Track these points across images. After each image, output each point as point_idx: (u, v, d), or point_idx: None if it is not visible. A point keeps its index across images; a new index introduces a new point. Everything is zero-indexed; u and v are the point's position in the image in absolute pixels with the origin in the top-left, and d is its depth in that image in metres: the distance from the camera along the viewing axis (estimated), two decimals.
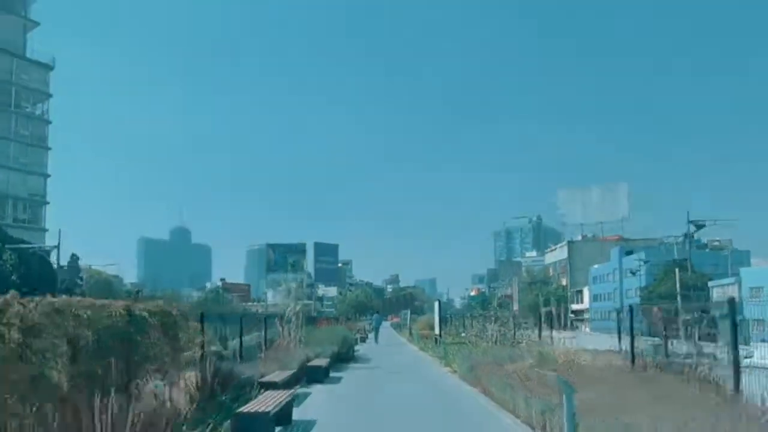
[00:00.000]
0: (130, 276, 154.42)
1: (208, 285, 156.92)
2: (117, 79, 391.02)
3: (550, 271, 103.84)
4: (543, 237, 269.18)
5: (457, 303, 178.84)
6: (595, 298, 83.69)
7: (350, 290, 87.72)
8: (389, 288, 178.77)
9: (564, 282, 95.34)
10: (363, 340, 37.16)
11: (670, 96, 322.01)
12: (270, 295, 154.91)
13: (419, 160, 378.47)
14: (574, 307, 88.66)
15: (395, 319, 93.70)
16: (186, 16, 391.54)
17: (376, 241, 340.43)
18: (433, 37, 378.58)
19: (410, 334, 37.65)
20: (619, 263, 75.39)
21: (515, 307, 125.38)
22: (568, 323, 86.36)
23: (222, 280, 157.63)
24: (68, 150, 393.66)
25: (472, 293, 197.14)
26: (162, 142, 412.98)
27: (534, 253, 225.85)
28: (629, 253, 75.19)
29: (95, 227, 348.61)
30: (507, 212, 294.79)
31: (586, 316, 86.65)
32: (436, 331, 27.05)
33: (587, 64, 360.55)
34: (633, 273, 65.88)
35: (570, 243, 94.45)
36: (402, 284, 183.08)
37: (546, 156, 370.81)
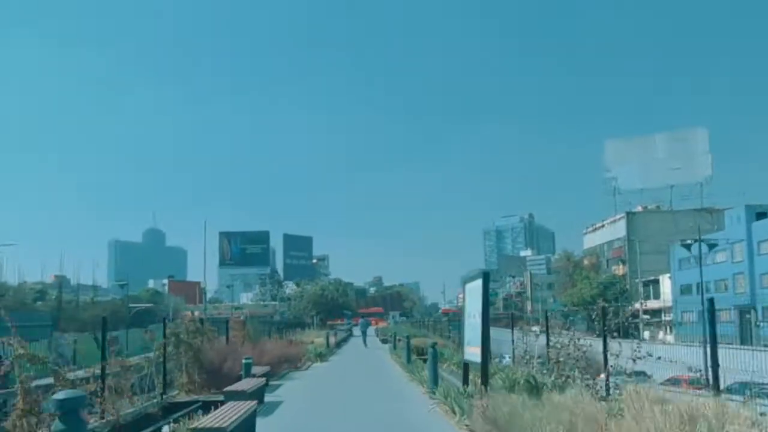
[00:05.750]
0: (101, 278, 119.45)
1: (151, 283, 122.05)
2: (87, 80, 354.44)
3: (587, 258, 71.91)
4: (536, 236, 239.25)
5: (444, 307, 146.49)
6: (682, 290, 52.21)
7: (316, 283, 55.01)
8: (372, 290, 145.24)
9: (620, 270, 63.77)
10: None
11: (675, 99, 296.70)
12: (246, 297, 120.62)
13: (400, 161, 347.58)
14: (640, 304, 56.74)
15: (381, 323, 62.25)
16: (159, 19, 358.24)
17: (355, 244, 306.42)
18: (416, 37, 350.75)
19: None
20: (746, 234, 43.92)
21: (529, 307, 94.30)
22: (638, 328, 55.01)
23: (170, 277, 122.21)
24: (38, 150, 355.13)
25: (459, 295, 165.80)
26: (135, 143, 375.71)
27: (529, 252, 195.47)
28: (761, 215, 44.08)
29: (66, 229, 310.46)
30: (493, 213, 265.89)
31: (665, 317, 55.20)
32: None
33: (571, 64, 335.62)
34: None
35: (630, 215, 62.84)
36: (386, 285, 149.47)
37: (531, 157, 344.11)
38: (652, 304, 55.51)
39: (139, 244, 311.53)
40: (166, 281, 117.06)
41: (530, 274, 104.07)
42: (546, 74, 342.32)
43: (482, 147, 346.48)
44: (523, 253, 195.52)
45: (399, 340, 20.91)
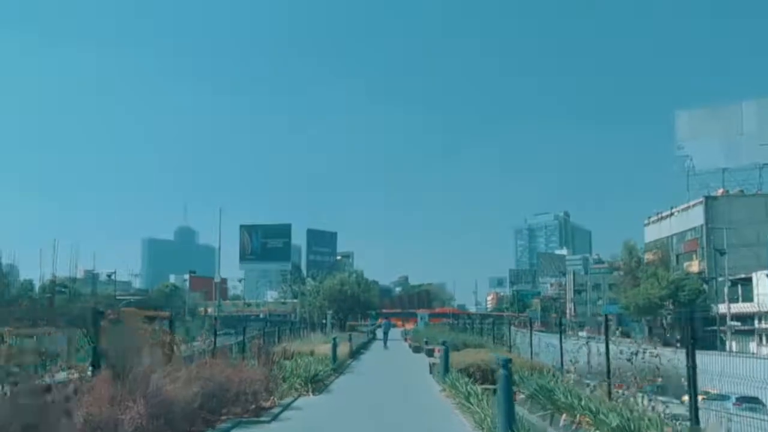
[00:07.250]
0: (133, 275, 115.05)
1: (172, 278, 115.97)
2: (120, 79, 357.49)
3: (650, 253, 60.77)
4: (572, 235, 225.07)
5: (473, 309, 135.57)
6: None
7: (335, 276, 46.73)
8: (397, 289, 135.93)
9: (694, 267, 52.81)
10: None
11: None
12: (271, 295, 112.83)
13: (425, 160, 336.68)
14: (725, 308, 46.07)
15: (407, 325, 53.38)
16: (190, 17, 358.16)
17: (381, 243, 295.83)
18: (449, 36, 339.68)
19: None
20: None
21: (571, 310, 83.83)
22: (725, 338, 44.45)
23: (191, 272, 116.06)
24: (72, 149, 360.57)
25: (489, 297, 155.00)
26: (167, 142, 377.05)
27: (564, 251, 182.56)
28: None
29: (99, 227, 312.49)
30: (523, 213, 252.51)
31: (761, 324, 44.30)
32: None
33: (602, 61, 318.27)
34: None
35: (709, 200, 51.84)
36: (412, 284, 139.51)
37: (559, 156, 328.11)
38: (739, 307, 44.69)
39: (171, 242, 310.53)
40: (187, 276, 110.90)
41: (573, 273, 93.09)
42: (575, 72, 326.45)
43: (510, 146, 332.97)
44: (558, 252, 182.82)
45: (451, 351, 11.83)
